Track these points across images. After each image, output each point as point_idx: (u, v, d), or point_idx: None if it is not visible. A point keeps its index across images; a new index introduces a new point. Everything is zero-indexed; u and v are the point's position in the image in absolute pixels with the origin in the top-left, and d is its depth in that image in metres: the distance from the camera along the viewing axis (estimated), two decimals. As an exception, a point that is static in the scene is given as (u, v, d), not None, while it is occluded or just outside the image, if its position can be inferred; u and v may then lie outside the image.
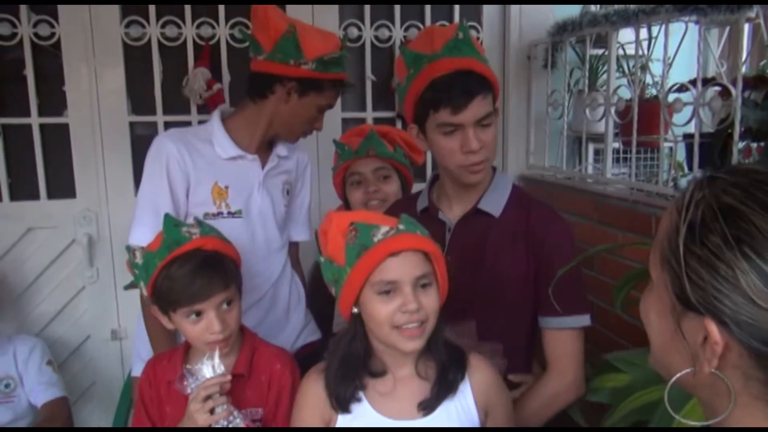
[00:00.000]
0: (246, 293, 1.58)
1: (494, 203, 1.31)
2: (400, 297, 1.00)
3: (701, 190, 0.57)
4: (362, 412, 1.06)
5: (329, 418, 1.08)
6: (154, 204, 1.49)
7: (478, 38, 2.50)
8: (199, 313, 1.22)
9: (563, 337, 1.29)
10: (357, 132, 1.73)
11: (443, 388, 1.07)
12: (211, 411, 1.16)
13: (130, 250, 1.30)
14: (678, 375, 0.61)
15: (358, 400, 1.06)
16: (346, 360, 1.07)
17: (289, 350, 1.67)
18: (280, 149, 1.64)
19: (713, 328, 0.55)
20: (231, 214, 1.55)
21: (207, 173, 1.53)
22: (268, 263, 1.63)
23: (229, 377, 1.19)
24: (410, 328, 1.01)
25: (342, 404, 1.05)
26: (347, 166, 1.70)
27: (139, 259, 1.26)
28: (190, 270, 1.22)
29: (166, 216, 1.30)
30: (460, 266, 1.29)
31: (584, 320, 1.30)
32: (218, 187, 1.54)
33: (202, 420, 1.15)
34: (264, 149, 1.62)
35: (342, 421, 1.06)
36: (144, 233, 1.43)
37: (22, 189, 2.34)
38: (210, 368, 1.17)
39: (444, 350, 1.08)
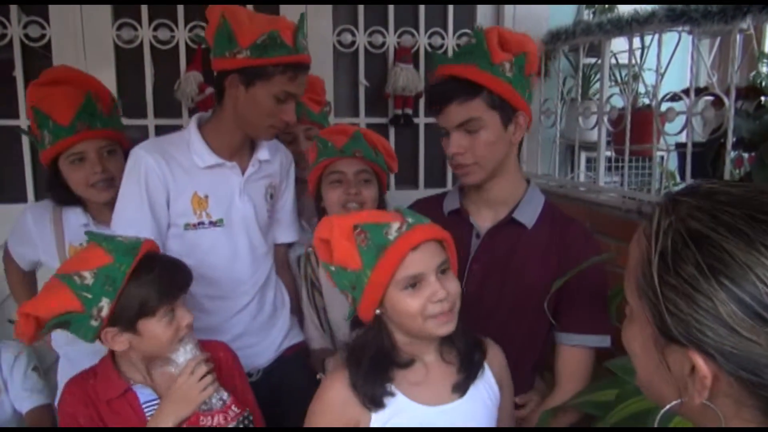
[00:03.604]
0: (233, 299, 1.59)
1: (528, 215, 1.31)
2: (426, 288, 1.01)
3: (667, 216, 0.56)
4: (399, 405, 1.05)
5: (357, 420, 1.05)
6: (133, 219, 1.45)
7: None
8: (172, 311, 1.20)
9: (580, 355, 1.29)
10: (340, 130, 1.65)
11: (472, 369, 1.10)
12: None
13: (68, 277, 1.15)
14: (668, 407, 0.60)
15: (392, 394, 1.05)
16: (376, 358, 1.05)
17: (275, 353, 1.68)
18: (262, 153, 1.58)
19: (699, 361, 0.54)
20: (212, 224, 1.52)
21: (186, 183, 1.48)
22: (254, 269, 1.61)
23: (207, 354, 1.25)
24: (443, 313, 1.02)
25: (376, 402, 1.04)
26: (327, 164, 1.61)
27: (90, 280, 1.14)
28: (163, 269, 1.19)
29: (92, 233, 1.23)
30: (486, 274, 1.30)
31: (605, 341, 1.29)
32: (198, 196, 1.50)
33: (200, 396, 1.19)
34: (244, 154, 1.57)
35: (377, 419, 1.04)
36: None
37: (9, 191, 2.31)
38: (188, 353, 1.22)
39: (462, 335, 1.09)
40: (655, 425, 0.62)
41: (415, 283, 1.01)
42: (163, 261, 1.23)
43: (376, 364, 1.05)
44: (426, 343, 1.08)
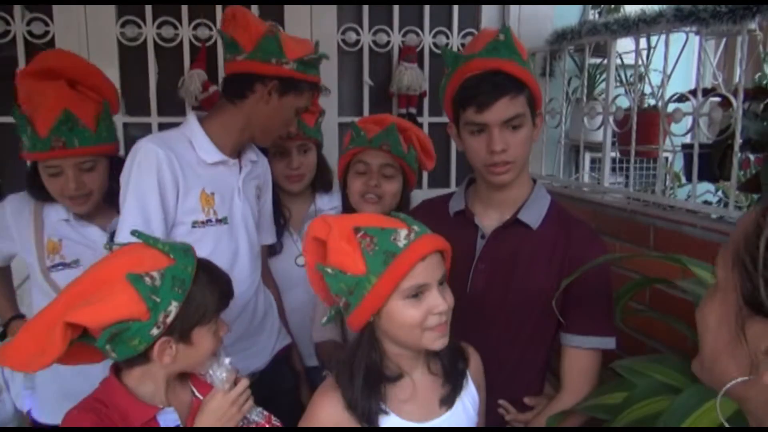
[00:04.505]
0: (234, 300, 1.53)
1: (533, 215, 1.30)
2: (429, 299, 1.00)
3: None
4: (391, 424, 1.04)
5: None
6: (144, 214, 1.40)
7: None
8: (216, 320, 1.13)
9: (585, 356, 1.27)
10: (377, 120, 1.69)
11: (458, 380, 1.09)
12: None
13: (138, 277, 1.00)
14: (732, 383, 0.58)
15: (385, 412, 1.03)
16: (368, 372, 1.03)
17: (269, 356, 1.67)
18: (251, 155, 1.61)
19: None
20: (219, 221, 1.51)
21: (194, 180, 1.47)
22: (252, 269, 1.61)
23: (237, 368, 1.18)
24: (440, 326, 1.01)
25: (371, 420, 1.02)
26: (356, 152, 1.64)
27: (158, 281, 1.02)
28: (218, 273, 1.13)
29: (140, 233, 1.12)
30: (491, 274, 1.29)
31: (610, 342, 1.28)
32: (205, 193, 1.49)
33: (240, 413, 1.14)
34: (237, 155, 1.59)
35: None
36: None
37: (12, 189, 2.29)
38: (225, 367, 1.14)
39: (447, 344, 1.08)
40: (718, 403, 0.61)
41: (417, 293, 0.99)
42: (213, 265, 1.16)
43: (368, 381, 1.03)
44: (415, 355, 1.07)
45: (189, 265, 1.06)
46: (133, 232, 1.12)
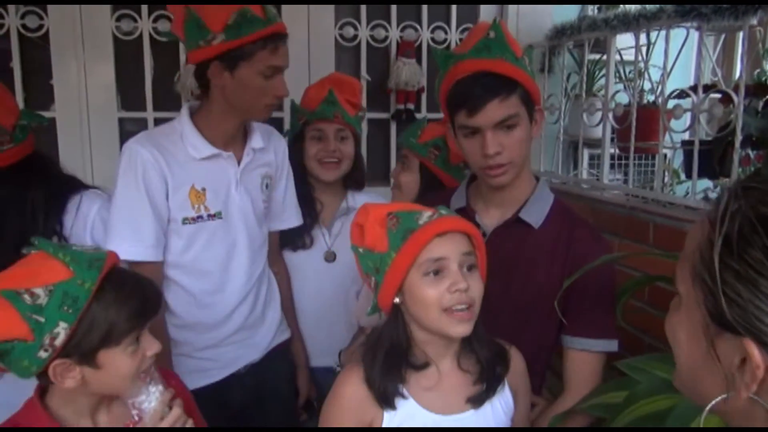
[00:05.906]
0: (231, 293, 1.55)
1: (535, 214, 1.28)
2: (448, 278, 0.99)
3: (736, 201, 0.54)
4: (408, 409, 1.03)
5: (371, 419, 1.03)
6: (132, 217, 1.40)
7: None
8: (137, 339, 1.00)
9: (588, 359, 1.25)
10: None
11: (493, 382, 1.07)
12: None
13: (15, 294, 0.90)
14: (712, 403, 0.56)
15: (404, 396, 1.03)
16: (390, 353, 1.03)
17: (265, 350, 1.65)
18: (255, 141, 1.55)
19: (754, 351, 0.51)
20: (211, 216, 1.48)
21: (183, 176, 1.45)
22: (251, 261, 1.58)
23: (173, 391, 1.07)
24: (460, 310, 1.00)
25: (388, 400, 1.02)
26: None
27: (43, 299, 0.91)
28: (134, 287, 1.00)
29: (43, 240, 0.99)
30: (492, 274, 1.27)
31: (612, 345, 1.26)
32: (195, 189, 1.46)
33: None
34: (238, 143, 1.54)
35: (387, 419, 1.03)
36: (124, 250, 1.27)
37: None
38: (155, 396, 1.03)
39: (485, 344, 1.08)
40: (702, 421, 0.59)
41: (438, 270, 0.99)
42: (133, 277, 1.04)
43: (390, 359, 1.03)
44: (444, 344, 1.05)
45: (88, 281, 0.93)
46: (35, 239, 0.99)
